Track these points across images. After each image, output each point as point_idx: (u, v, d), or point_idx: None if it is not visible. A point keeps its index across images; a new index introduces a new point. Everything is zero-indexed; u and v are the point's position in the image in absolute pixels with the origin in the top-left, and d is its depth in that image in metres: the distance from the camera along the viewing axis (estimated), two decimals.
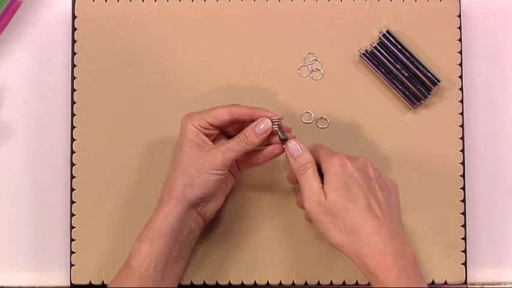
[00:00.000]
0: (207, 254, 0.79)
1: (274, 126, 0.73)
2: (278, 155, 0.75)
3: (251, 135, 0.72)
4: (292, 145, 0.72)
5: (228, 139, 0.75)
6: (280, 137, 0.73)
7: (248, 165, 0.77)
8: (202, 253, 0.79)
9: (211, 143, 0.74)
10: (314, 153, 0.72)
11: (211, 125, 0.73)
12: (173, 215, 0.72)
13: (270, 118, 0.73)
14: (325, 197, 0.69)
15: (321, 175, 0.71)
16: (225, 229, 0.80)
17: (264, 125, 0.72)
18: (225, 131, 0.76)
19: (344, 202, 0.68)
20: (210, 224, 0.77)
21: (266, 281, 0.80)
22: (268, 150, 0.75)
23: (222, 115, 0.73)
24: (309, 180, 0.70)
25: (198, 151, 0.72)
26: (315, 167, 0.71)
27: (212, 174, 0.72)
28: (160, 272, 0.71)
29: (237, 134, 0.74)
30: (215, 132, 0.74)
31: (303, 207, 0.71)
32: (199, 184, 0.72)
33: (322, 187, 0.69)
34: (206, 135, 0.73)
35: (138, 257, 0.71)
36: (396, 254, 0.67)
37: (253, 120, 0.73)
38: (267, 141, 0.74)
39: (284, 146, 0.73)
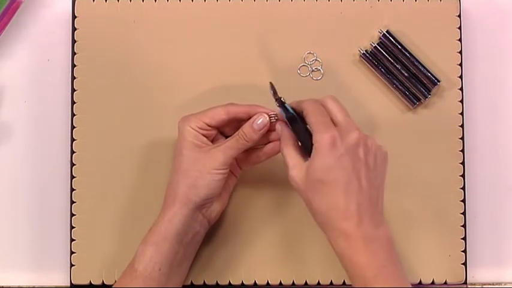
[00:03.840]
0: (207, 254, 0.79)
1: (271, 119, 0.73)
2: (279, 152, 0.74)
3: (249, 132, 0.72)
4: (262, 118, 0.72)
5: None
6: (275, 98, 0.72)
7: (249, 163, 0.77)
8: (202, 253, 0.79)
9: (210, 143, 0.74)
10: (306, 116, 0.70)
11: (208, 125, 0.73)
12: (178, 218, 0.72)
13: (267, 114, 0.73)
14: (307, 172, 0.68)
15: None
16: (225, 229, 0.80)
17: (261, 120, 0.72)
18: (223, 131, 0.76)
19: (323, 186, 0.68)
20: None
21: (266, 281, 0.80)
22: (269, 147, 0.75)
23: (219, 115, 0.73)
24: (291, 155, 0.70)
25: (198, 152, 0.72)
26: (295, 143, 0.71)
27: (215, 174, 0.72)
28: (165, 274, 0.71)
29: (234, 133, 0.74)
30: (213, 132, 0.74)
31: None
32: (203, 185, 0.72)
33: (307, 158, 0.69)
34: (204, 136, 0.73)
35: (142, 260, 0.71)
36: (367, 237, 0.67)
37: (250, 118, 0.73)
38: (266, 139, 0.74)
39: (280, 105, 0.72)
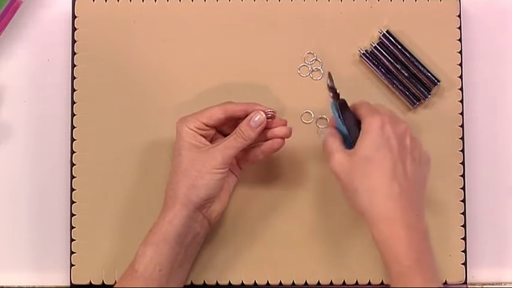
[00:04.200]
0: (207, 255, 0.79)
1: (268, 116, 0.73)
2: (277, 149, 0.75)
3: (247, 130, 0.72)
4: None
5: None
6: (328, 85, 0.73)
7: (248, 162, 0.77)
8: (202, 253, 0.79)
9: (208, 143, 0.74)
10: (358, 108, 0.71)
11: (206, 125, 0.73)
12: (178, 219, 0.72)
13: (263, 111, 0.73)
14: (353, 154, 0.68)
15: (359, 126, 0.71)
16: (225, 229, 0.80)
17: (258, 117, 0.72)
18: (222, 130, 0.76)
19: (369, 164, 0.68)
20: None
21: (266, 281, 0.80)
22: (267, 145, 0.75)
23: (216, 114, 0.73)
24: (333, 141, 0.71)
25: (197, 152, 0.72)
26: (337, 135, 0.72)
27: (214, 173, 0.72)
28: (166, 275, 0.71)
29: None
30: (211, 132, 0.74)
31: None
32: (203, 185, 0.72)
33: (346, 147, 0.70)
34: (203, 136, 0.73)
35: (142, 261, 0.71)
36: (409, 225, 0.67)
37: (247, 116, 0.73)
38: (264, 137, 0.74)
39: (333, 93, 0.73)
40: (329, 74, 0.73)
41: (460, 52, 0.82)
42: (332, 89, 0.73)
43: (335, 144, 0.71)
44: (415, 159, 0.70)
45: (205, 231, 0.75)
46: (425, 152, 0.72)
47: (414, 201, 0.68)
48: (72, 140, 0.81)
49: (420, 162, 0.70)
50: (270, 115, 0.73)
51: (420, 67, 0.81)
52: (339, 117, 0.72)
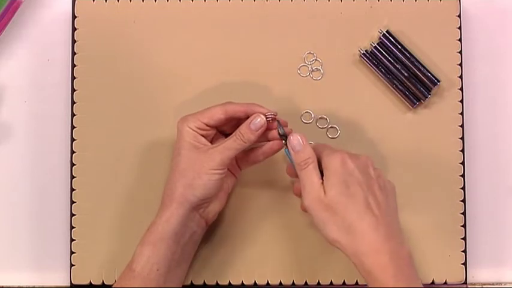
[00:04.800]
0: (207, 254, 0.79)
1: (268, 119, 0.73)
2: (278, 151, 0.75)
3: (247, 132, 0.72)
4: (295, 139, 0.72)
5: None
6: (279, 132, 0.73)
7: (248, 163, 0.77)
8: (202, 253, 0.79)
9: (208, 143, 0.74)
10: (316, 150, 0.71)
11: (207, 125, 0.73)
12: (175, 219, 0.72)
13: (264, 114, 0.73)
14: (324, 193, 0.69)
15: (321, 171, 0.70)
16: (225, 229, 0.80)
17: (258, 121, 0.72)
18: (223, 130, 0.76)
19: (343, 199, 0.68)
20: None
21: (266, 281, 0.80)
22: (268, 146, 0.75)
23: (217, 114, 0.73)
24: (310, 176, 0.70)
25: (196, 153, 0.72)
26: (316, 163, 0.71)
27: (212, 174, 0.72)
28: (163, 275, 0.71)
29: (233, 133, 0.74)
30: (212, 132, 0.74)
31: (299, 195, 0.72)
32: (200, 185, 0.72)
33: (322, 183, 0.69)
34: (203, 136, 0.73)
35: (140, 261, 0.71)
36: (393, 253, 0.67)
37: (248, 117, 0.73)
38: (264, 138, 0.74)
39: (285, 141, 0.72)
40: (278, 122, 0.73)
41: (460, 52, 0.82)
42: (283, 136, 0.73)
43: (315, 179, 0.70)
44: (381, 188, 0.70)
45: (202, 231, 0.75)
46: (389, 181, 0.73)
47: (393, 229, 0.69)
48: (72, 140, 0.81)
49: (387, 191, 0.71)
50: (270, 118, 0.73)
51: (420, 67, 0.81)
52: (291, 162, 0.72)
